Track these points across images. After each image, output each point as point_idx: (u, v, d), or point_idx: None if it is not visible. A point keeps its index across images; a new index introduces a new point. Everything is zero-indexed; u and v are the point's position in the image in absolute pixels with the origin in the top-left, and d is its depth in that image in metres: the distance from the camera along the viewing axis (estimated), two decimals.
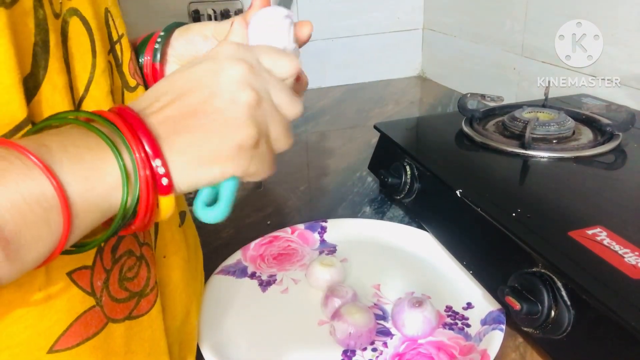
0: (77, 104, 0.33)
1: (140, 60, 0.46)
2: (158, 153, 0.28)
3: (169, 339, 0.42)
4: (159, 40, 0.45)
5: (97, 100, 0.35)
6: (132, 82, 0.40)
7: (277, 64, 0.34)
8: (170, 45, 0.46)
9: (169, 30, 0.46)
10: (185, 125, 0.29)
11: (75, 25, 0.34)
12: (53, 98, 0.31)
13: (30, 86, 0.30)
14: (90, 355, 0.34)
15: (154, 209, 0.29)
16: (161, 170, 0.28)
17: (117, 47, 0.39)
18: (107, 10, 0.38)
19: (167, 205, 0.29)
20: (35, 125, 0.29)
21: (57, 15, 0.32)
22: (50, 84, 0.31)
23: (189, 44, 0.46)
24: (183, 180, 0.29)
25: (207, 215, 0.32)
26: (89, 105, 0.34)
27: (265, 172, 0.32)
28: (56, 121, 0.29)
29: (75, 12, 0.34)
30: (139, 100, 0.30)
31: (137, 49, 0.46)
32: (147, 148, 0.27)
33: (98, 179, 0.26)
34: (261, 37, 0.37)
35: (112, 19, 0.39)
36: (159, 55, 0.45)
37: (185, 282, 0.46)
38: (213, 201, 0.32)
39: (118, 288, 0.36)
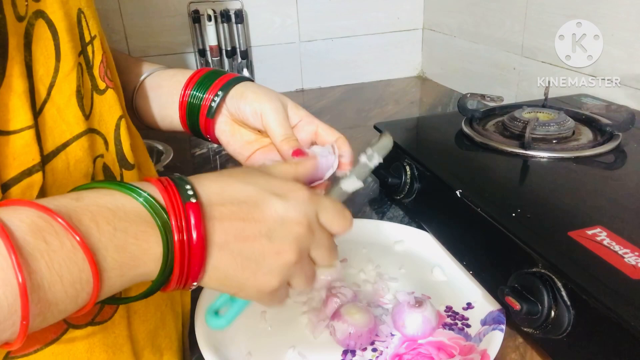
0: (39, 108, 0.33)
1: (194, 99, 0.49)
2: (196, 276, 0.31)
3: (140, 344, 0.42)
4: (215, 99, 0.48)
5: (58, 104, 0.35)
6: (101, 85, 0.40)
7: (332, 224, 0.37)
8: (225, 102, 0.48)
9: (227, 88, 0.48)
10: (233, 247, 0.32)
11: (40, 28, 0.33)
12: (12, 103, 0.30)
13: None
14: None
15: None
16: (193, 287, 0.32)
17: (89, 48, 0.39)
18: (80, 11, 0.37)
19: None
20: (95, 183, 0.32)
21: (20, 18, 0.31)
22: (8, 89, 0.30)
23: (239, 110, 0.48)
24: (205, 285, 0.33)
25: (213, 323, 0.37)
26: (50, 109, 0.34)
27: (276, 305, 0.37)
28: (115, 187, 0.32)
29: (41, 14, 0.33)
30: (211, 193, 0.32)
31: (196, 87, 0.49)
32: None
33: (133, 269, 0.29)
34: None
35: (85, 20, 0.38)
36: (212, 112, 0.48)
37: None
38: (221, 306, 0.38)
39: None
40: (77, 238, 0.26)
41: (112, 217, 0.28)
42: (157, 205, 0.30)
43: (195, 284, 0.32)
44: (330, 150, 0.45)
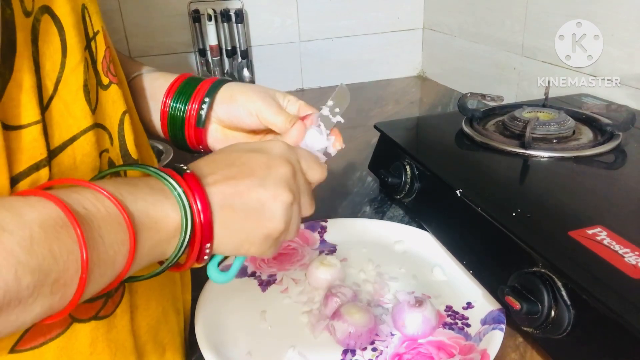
0: (46, 103, 0.34)
1: (175, 110, 0.49)
2: (210, 238, 0.34)
3: (142, 339, 0.42)
4: (203, 107, 0.48)
5: (65, 99, 0.35)
6: (104, 80, 0.40)
7: (311, 170, 0.41)
8: (213, 109, 0.48)
9: (212, 94, 0.48)
10: (232, 203, 0.35)
11: (46, 23, 0.33)
12: (19, 98, 0.31)
13: None
14: (54, 355, 0.34)
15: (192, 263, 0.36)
16: (207, 250, 0.34)
17: (92, 43, 0.39)
18: (83, 7, 0.38)
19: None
20: (103, 171, 0.36)
21: (28, 14, 0.32)
22: (16, 84, 0.31)
23: (232, 115, 0.48)
24: (215, 249, 0.35)
25: (217, 277, 0.39)
26: (57, 104, 0.34)
27: (270, 256, 0.39)
28: (125, 168, 0.37)
29: (46, 9, 0.33)
30: (202, 167, 0.36)
31: (175, 97, 0.48)
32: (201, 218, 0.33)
33: (156, 233, 0.32)
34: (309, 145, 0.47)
35: (89, 15, 0.39)
36: (202, 120, 0.48)
37: (159, 281, 0.45)
38: (222, 262, 0.39)
39: None
40: (106, 193, 0.29)
41: (132, 189, 0.31)
42: (168, 177, 0.33)
43: (208, 246, 0.34)
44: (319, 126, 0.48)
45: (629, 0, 0.80)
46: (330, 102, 0.49)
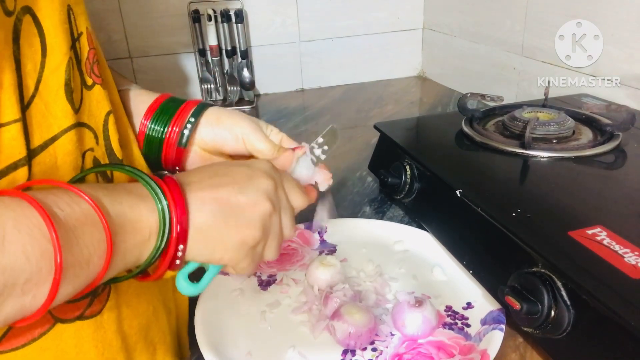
0: (27, 102, 0.34)
1: (153, 132, 0.48)
2: (184, 239, 0.34)
3: (132, 338, 0.42)
4: (187, 126, 0.47)
5: (46, 98, 0.35)
6: (88, 81, 0.40)
7: (293, 194, 0.42)
8: (197, 130, 0.48)
9: (198, 115, 0.48)
10: (210, 208, 0.35)
11: (27, 24, 0.34)
12: (0, 96, 0.31)
13: None
14: (37, 356, 0.34)
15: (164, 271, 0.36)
16: (180, 254, 0.34)
17: (77, 45, 0.39)
18: (69, 8, 0.38)
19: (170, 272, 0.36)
20: (85, 170, 0.37)
21: (9, 13, 0.32)
22: None
23: (217, 136, 0.48)
24: (189, 254, 0.35)
25: (184, 289, 0.38)
26: (38, 104, 0.34)
27: (249, 271, 0.39)
28: (110, 168, 0.38)
29: (28, 10, 0.34)
30: (184, 175, 0.37)
31: (154, 118, 0.48)
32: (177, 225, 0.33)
33: (132, 236, 0.32)
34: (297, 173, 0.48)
35: (74, 17, 0.39)
36: (185, 140, 0.48)
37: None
38: (193, 275, 0.38)
39: None
40: (83, 195, 0.29)
41: (109, 192, 0.32)
42: (147, 177, 0.34)
43: (181, 247, 0.34)
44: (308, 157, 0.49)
45: (629, 0, 0.80)
46: (320, 140, 0.50)
